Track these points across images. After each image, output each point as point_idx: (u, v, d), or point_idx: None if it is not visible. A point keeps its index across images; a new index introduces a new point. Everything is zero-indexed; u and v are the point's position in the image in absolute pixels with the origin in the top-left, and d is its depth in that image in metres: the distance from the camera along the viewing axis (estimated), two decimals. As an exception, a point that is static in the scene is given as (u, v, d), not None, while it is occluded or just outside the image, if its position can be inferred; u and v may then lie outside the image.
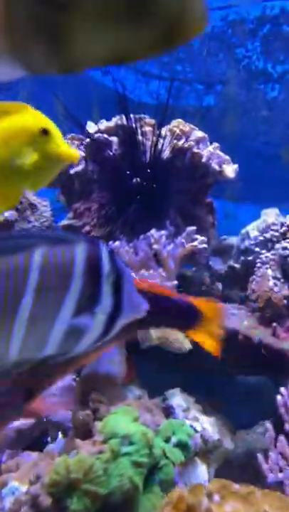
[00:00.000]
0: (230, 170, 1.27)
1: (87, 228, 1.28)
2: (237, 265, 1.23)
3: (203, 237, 1.10)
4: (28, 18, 0.23)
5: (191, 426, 0.92)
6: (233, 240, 1.31)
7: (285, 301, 1.13)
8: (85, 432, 0.82)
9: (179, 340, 1.00)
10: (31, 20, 0.23)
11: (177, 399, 1.04)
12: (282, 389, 0.92)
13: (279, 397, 0.92)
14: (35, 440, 0.99)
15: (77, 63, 0.26)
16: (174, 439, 0.83)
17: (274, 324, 1.07)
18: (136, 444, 0.74)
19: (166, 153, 1.26)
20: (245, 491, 0.47)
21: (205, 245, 1.10)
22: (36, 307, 0.42)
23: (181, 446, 0.82)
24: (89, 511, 0.67)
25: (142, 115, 1.31)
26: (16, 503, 0.67)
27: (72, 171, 1.30)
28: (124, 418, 0.80)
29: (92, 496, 0.68)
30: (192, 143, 1.23)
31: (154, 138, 1.24)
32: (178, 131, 1.24)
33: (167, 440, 0.83)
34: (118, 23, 0.24)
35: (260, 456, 0.81)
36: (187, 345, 1.02)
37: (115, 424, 0.77)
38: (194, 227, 1.11)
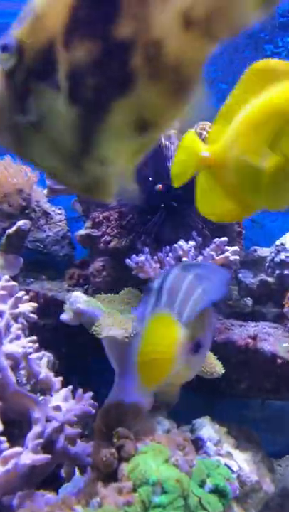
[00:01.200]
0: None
1: (106, 238, 1.19)
2: (270, 279, 1.12)
3: (235, 248, 1.00)
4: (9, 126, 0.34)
5: (226, 465, 0.81)
6: (265, 252, 1.21)
7: None
8: (109, 474, 0.72)
9: (211, 365, 0.89)
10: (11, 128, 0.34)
11: (207, 429, 0.93)
12: None
13: None
14: (50, 475, 0.89)
15: (34, 165, 0.38)
16: (209, 484, 0.72)
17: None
18: (169, 493, 0.64)
19: (191, 158, 1.16)
20: None
21: (237, 257, 1.00)
22: None
23: (218, 492, 0.72)
24: None
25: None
26: None
27: (90, 177, 1.21)
28: (155, 459, 0.69)
29: None
30: (221, 146, 1.13)
31: (179, 141, 1.15)
32: (205, 133, 1.14)
33: (202, 484, 0.72)
34: (59, 161, 0.34)
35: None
36: (219, 370, 0.91)
37: (145, 467, 0.67)
38: (225, 238, 1.01)
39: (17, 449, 0.78)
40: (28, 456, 0.77)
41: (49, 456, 0.79)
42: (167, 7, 0.27)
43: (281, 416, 1.34)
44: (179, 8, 0.27)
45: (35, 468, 0.80)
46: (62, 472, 0.91)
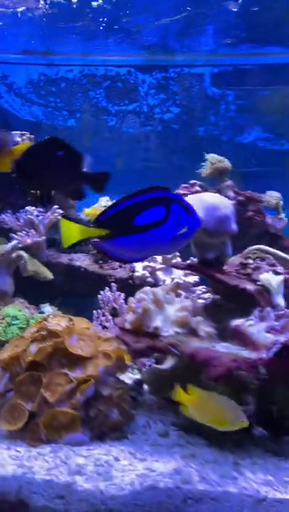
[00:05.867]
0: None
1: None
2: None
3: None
4: None
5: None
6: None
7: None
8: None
9: (41, 269, 1.72)
10: None
11: (47, 309, 1.78)
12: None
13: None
14: None
15: None
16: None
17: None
18: (20, 320, 1.47)
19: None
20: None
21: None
22: None
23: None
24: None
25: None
26: None
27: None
28: (14, 309, 1.52)
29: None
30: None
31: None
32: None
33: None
34: None
35: (94, 312, 1.59)
36: (49, 274, 1.75)
37: (9, 311, 1.49)
38: (56, 206, 1.82)
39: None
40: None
41: None
42: None
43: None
44: None
45: None
46: None
